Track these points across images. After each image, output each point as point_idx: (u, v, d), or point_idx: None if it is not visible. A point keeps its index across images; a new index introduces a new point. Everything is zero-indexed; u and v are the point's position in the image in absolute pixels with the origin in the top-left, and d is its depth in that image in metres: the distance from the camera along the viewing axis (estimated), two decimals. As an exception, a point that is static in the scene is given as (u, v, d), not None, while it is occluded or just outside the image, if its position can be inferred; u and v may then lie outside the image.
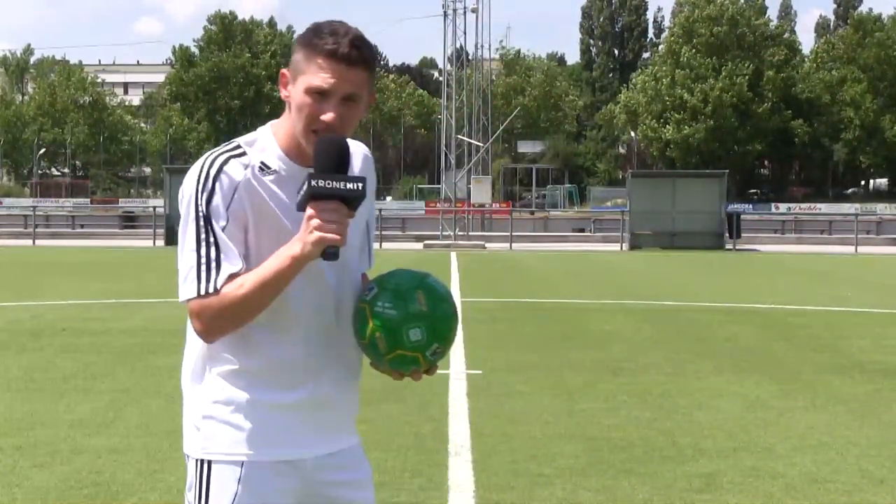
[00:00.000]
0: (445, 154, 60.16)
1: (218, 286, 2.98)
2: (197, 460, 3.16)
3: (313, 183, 2.87)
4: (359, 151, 3.28)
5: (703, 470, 8.03)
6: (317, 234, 2.86)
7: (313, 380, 3.16)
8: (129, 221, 67.26)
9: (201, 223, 3.02)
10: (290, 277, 2.97)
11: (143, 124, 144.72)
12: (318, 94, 3.00)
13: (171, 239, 48.58)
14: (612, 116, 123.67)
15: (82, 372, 12.31)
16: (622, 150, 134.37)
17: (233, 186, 3.04)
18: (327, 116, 3.00)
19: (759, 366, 13.25)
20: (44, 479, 7.61)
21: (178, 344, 13.43)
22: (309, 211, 2.89)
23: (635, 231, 48.55)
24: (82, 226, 65.14)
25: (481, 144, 63.44)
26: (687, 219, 48.45)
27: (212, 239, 3.01)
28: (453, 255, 40.88)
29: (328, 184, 2.87)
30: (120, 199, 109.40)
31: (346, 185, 2.89)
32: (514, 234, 50.58)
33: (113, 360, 13.28)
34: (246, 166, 3.07)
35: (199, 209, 3.02)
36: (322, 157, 2.94)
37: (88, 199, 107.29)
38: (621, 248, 48.05)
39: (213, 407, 3.14)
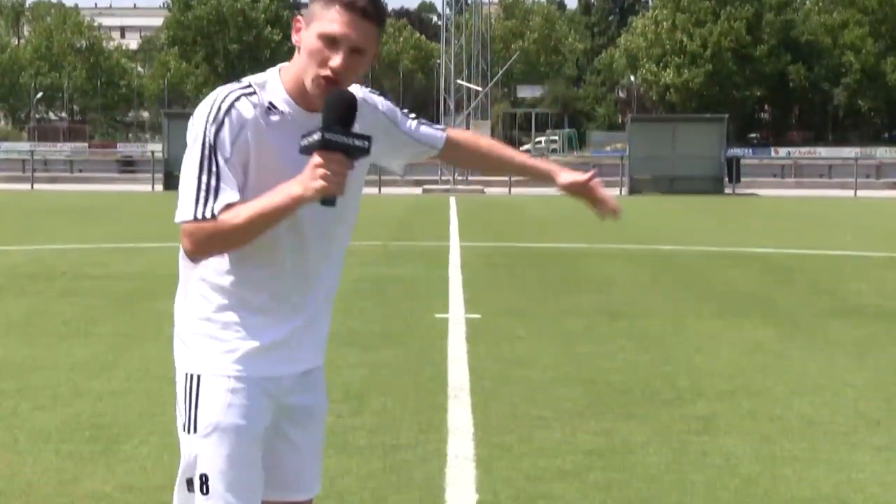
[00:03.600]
0: (444, 99, 60.00)
1: (215, 213, 3.13)
2: (187, 374, 3.33)
3: (327, 136, 3.04)
4: (367, 99, 3.42)
5: (701, 412, 8.07)
6: (321, 182, 3.02)
7: (298, 307, 3.35)
8: (128, 166, 67.24)
9: (206, 152, 3.17)
10: (286, 215, 3.13)
11: (140, 68, 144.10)
12: (329, 41, 3.15)
13: (170, 184, 48.46)
14: (612, 61, 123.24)
15: (82, 316, 12.34)
16: (622, 95, 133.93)
17: (241, 123, 3.19)
18: (335, 62, 3.14)
19: (757, 310, 13.28)
20: (45, 422, 7.65)
21: (177, 288, 13.29)
22: (317, 159, 3.04)
23: (635, 176, 48.51)
24: (80, 170, 65.11)
25: (480, 89, 63.27)
26: (686, 163, 48.39)
27: (214, 168, 3.16)
28: (452, 199, 40.87)
29: (340, 138, 3.05)
30: (118, 144, 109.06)
31: (354, 142, 3.07)
32: (513, 178, 50.47)
33: (113, 304, 13.30)
34: (255, 105, 3.22)
35: (207, 139, 3.17)
36: (333, 109, 3.10)
37: (86, 144, 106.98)
38: (621, 192, 47.98)
39: (203, 324, 3.33)
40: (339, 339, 10.40)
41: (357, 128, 3.16)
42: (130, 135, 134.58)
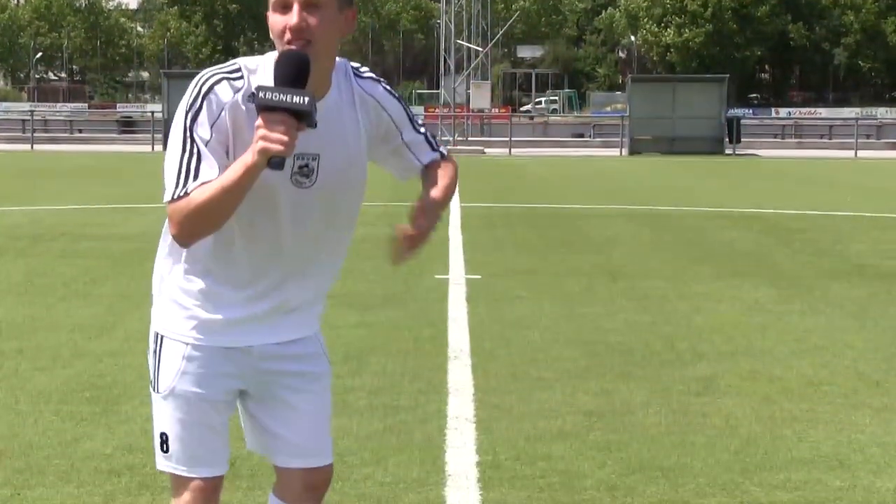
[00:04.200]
0: (444, 59, 59.76)
1: (188, 191, 3.16)
2: (155, 332, 3.46)
3: (260, 95, 3.00)
4: (374, 95, 3.42)
5: (701, 373, 8.08)
6: (261, 143, 3.00)
7: (272, 285, 3.37)
8: (128, 126, 66.99)
9: (187, 135, 3.20)
10: (247, 184, 3.10)
11: (139, 28, 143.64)
12: (282, 9, 3.15)
13: (170, 144, 48.49)
14: (612, 21, 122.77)
15: (82, 276, 12.33)
16: (622, 55, 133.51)
17: (220, 106, 3.21)
18: (291, 21, 3.12)
19: (757, 270, 13.27)
20: (45, 382, 7.65)
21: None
22: (258, 121, 3.02)
23: (635, 136, 48.40)
24: (80, 130, 64.93)
25: (480, 49, 63.03)
26: (687, 124, 48.27)
27: (194, 150, 3.19)
28: (452, 160, 40.78)
29: (274, 96, 2.99)
30: (118, 104, 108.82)
31: (291, 98, 2.99)
32: (513, 139, 50.40)
33: (113, 264, 13.29)
34: (237, 90, 3.22)
35: (187, 122, 3.21)
36: (279, 70, 3.07)
37: (86, 104, 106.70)
38: (621, 153, 47.94)
39: (173, 289, 3.42)
40: (338, 299, 10.41)
41: (329, 103, 3.18)
42: (130, 95, 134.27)
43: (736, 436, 6.58)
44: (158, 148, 47.96)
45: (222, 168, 3.15)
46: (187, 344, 3.38)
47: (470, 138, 54.35)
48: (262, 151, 2.99)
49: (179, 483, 3.46)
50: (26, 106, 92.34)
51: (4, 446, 6.24)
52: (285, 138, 2.98)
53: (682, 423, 6.83)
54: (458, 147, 49.78)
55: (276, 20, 3.16)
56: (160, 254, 3.50)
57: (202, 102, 3.19)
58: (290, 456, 3.54)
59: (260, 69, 3.25)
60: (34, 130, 53.75)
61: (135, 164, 37.95)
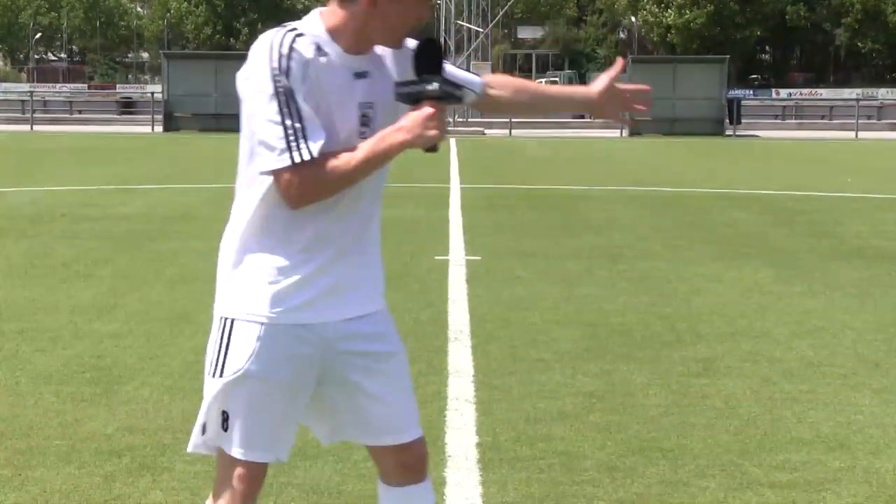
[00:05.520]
0: (444, 39, 59.69)
1: (314, 154, 3.16)
2: (222, 317, 3.37)
3: (444, 89, 3.21)
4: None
5: (701, 355, 8.08)
6: (435, 132, 3.17)
7: (344, 249, 3.37)
8: (128, 107, 66.81)
9: (282, 97, 3.16)
10: (387, 161, 3.27)
11: (139, 9, 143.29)
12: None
13: (170, 125, 48.43)
14: (613, 1, 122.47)
15: (82, 258, 12.33)
16: (623, 36, 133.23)
17: (304, 62, 3.21)
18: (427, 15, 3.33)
19: (757, 251, 13.28)
20: (46, 363, 7.66)
21: (178, 230, 13.49)
22: (429, 109, 3.18)
23: (635, 117, 48.30)
24: (80, 111, 64.79)
25: (481, 30, 62.96)
26: (687, 105, 48.26)
27: (294, 110, 3.16)
28: (452, 141, 40.74)
29: (453, 90, 3.27)
30: (118, 85, 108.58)
31: (456, 92, 3.30)
32: (513, 120, 50.31)
33: (113, 246, 13.29)
34: (310, 44, 3.23)
35: (278, 82, 3.16)
36: (429, 58, 3.26)
37: (86, 85, 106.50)
38: (621, 134, 47.90)
39: (241, 270, 3.34)
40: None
41: (375, 52, 3.32)
42: (130, 76, 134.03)
43: (736, 417, 6.59)
44: (158, 129, 47.97)
45: (321, 126, 3.18)
46: (262, 324, 3.30)
47: (470, 119, 54.29)
48: (435, 138, 3.17)
49: (230, 462, 3.40)
50: (26, 87, 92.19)
51: (5, 427, 6.25)
52: (443, 125, 3.20)
53: (682, 404, 6.84)
54: (459, 128, 49.73)
55: (410, 9, 3.26)
56: (237, 232, 3.35)
57: (290, 60, 3.17)
58: (375, 435, 3.51)
59: (311, 28, 3.27)
60: (34, 111, 53.72)
61: (135, 145, 37.92)
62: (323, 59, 3.23)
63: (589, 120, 56.77)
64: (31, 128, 49.37)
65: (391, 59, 3.40)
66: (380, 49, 3.37)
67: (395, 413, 3.50)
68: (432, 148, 3.21)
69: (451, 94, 3.23)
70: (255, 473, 3.41)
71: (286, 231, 3.29)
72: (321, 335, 3.35)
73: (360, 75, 3.29)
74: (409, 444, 3.55)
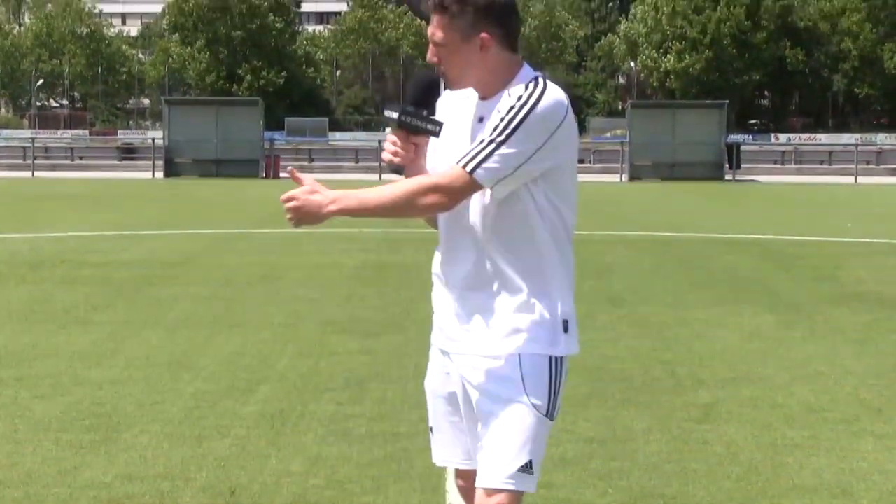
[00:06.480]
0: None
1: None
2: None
3: (403, 119, 3.59)
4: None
5: (701, 400, 8.06)
6: (384, 152, 3.70)
7: (448, 280, 3.94)
8: (129, 153, 66.96)
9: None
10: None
11: (141, 55, 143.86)
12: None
13: (171, 171, 48.44)
14: (612, 47, 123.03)
15: (82, 304, 12.31)
16: (622, 81, 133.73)
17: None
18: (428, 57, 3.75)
19: (757, 296, 13.26)
20: (45, 411, 7.63)
21: (177, 276, 13.45)
22: (393, 137, 3.66)
23: (635, 162, 48.45)
24: (81, 157, 64.90)
25: (481, 75, 63.20)
26: (687, 149, 48.34)
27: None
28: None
29: (412, 122, 3.61)
30: (119, 131, 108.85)
31: (421, 125, 3.61)
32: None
33: (113, 291, 13.28)
34: None
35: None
36: (411, 89, 3.66)
37: (87, 131, 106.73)
38: (621, 178, 47.99)
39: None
40: (339, 325, 10.41)
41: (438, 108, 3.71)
42: (131, 122, 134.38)
43: (737, 463, 6.56)
44: (159, 175, 47.99)
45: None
46: (430, 346, 4.10)
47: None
48: (386, 160, 3.68)
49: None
50: (27, 133, 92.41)
51: (4, 475, 6.22)
52: (406, 152, 3.66)
53: (684, 450, 6.81)
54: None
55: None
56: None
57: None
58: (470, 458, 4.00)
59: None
60: (35, 158, 53.81)
61: (136, 191, 37.97)
62: None
63: (588, 164, 56.87)
64: (33, 174, 49.43)
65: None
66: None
67: (483, 452, 4.01)
68: (396, 169, 3.62)
69: (408, 125, 3.56)
70: (462, 476, 4.14)
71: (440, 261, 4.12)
72: (454, 362, 4.11)
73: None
74: (485, 490, 3.89)
